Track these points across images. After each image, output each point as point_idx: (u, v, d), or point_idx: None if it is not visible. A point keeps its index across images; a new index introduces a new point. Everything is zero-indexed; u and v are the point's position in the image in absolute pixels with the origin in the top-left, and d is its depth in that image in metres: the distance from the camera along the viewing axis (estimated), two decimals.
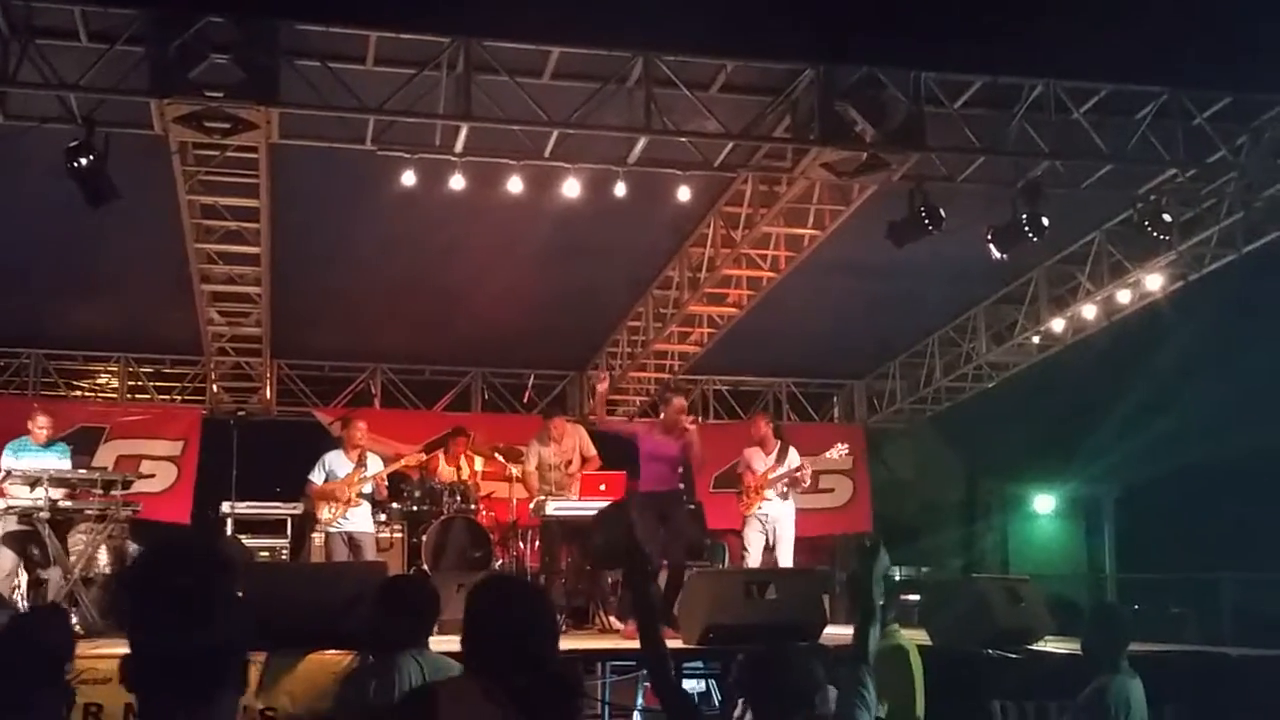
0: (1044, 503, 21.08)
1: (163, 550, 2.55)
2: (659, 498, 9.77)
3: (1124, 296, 12.82)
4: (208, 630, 2.32)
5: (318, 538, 11.45)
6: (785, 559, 11.11)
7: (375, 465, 11.14)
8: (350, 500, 10.81)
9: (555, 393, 16.70)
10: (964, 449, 18.68)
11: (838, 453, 12.07)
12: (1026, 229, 10.05)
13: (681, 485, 9.92)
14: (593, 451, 11.66)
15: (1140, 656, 6.46)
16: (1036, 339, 14.42)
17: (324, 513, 10.88)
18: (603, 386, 10.67)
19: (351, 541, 10.82)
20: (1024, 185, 10.03)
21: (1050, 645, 8.79)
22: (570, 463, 11.47)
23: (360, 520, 10.94)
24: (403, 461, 12.00)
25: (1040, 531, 21.37)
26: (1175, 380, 14.52)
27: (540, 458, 11.53)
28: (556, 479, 11.44)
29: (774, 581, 8.60)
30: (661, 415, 10.26)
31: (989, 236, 10.42)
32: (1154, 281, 12.35)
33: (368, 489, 10.97)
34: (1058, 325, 13.82)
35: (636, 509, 9.85)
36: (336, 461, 11.01)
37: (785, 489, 11.24)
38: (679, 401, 9.98)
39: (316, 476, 11.00)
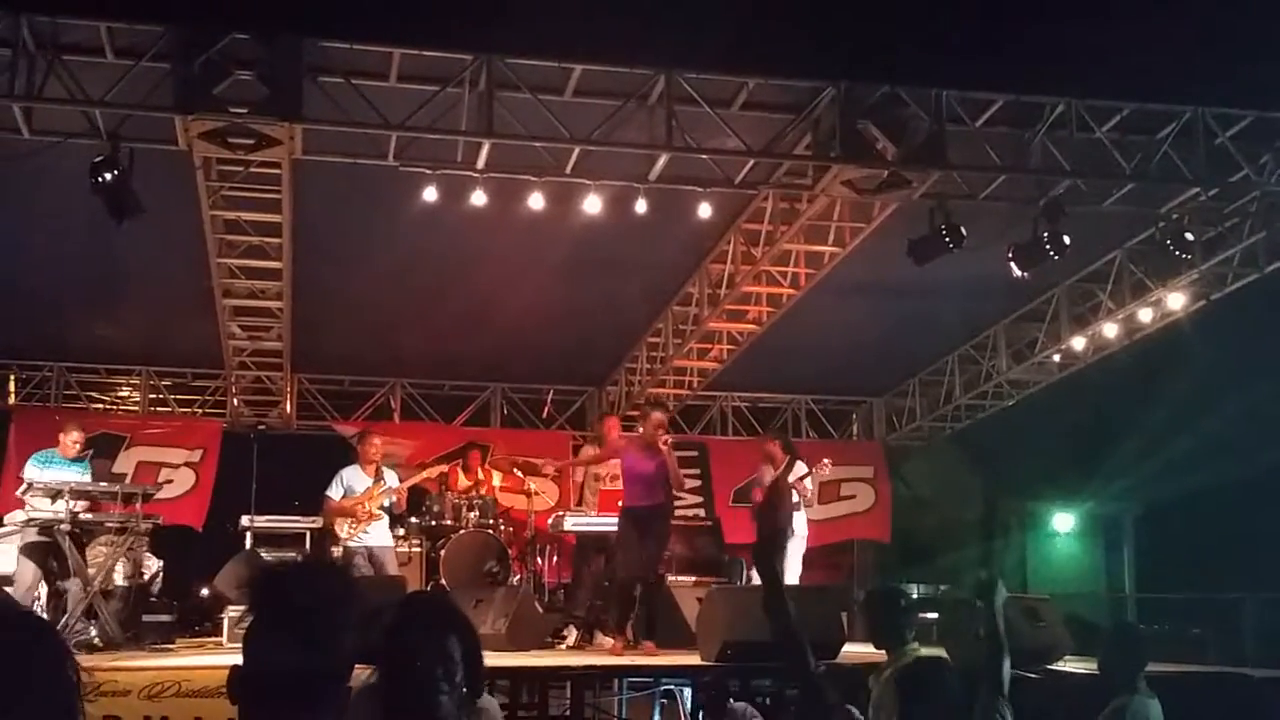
0: (1064, 521, 20.98)
1: (299, 566, 2.56)
2: (640, 513, 9.70)
3: (1146, 315, 12.78)
4: (326, 651, 2.33)
5: (337, 552, 11.46)
6: (792, 575, 11.03)
7: (393, 479, 11.16)
8: (369, 515, 10.84)
9: (574, 408, 16.72)
10: (983, 467, 18.62)
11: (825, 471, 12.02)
12: (1048, 247, 10.03)
13: (662, 500, 9.84)
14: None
15: (1159, 677, 6.43)
16: (1057, 357, 14.38)
17: (343, 528, 10.90)
18: (549, 470, 10.66)
19: (371, 556, 10.83)
20: (1046, 203, 10.01)
21: (1069, 665, 8.75)
22: (617, 477, 11.40)
23: (379, 535, 10.97)
24: (421, 475, 12.02)
25: (1059, 550, 21.26)
26: (1196, 399, 14.45)
27: (589, 468, 11.45)
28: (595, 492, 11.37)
29: (792, 598, 8.55)
30: (640, 430, 10.16)
31: (1010, 254, 10.39)
32: (1176, 300, 12.31)
33: (386, 503, 10.99)
34: (1079, 343, 13.79)
35: (620, 524, 9.84)
36: (354, 477, 11.03)
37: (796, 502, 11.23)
38: (657, 416, 9.88)
39: (334, 492, 11.03)
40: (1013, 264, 10.46)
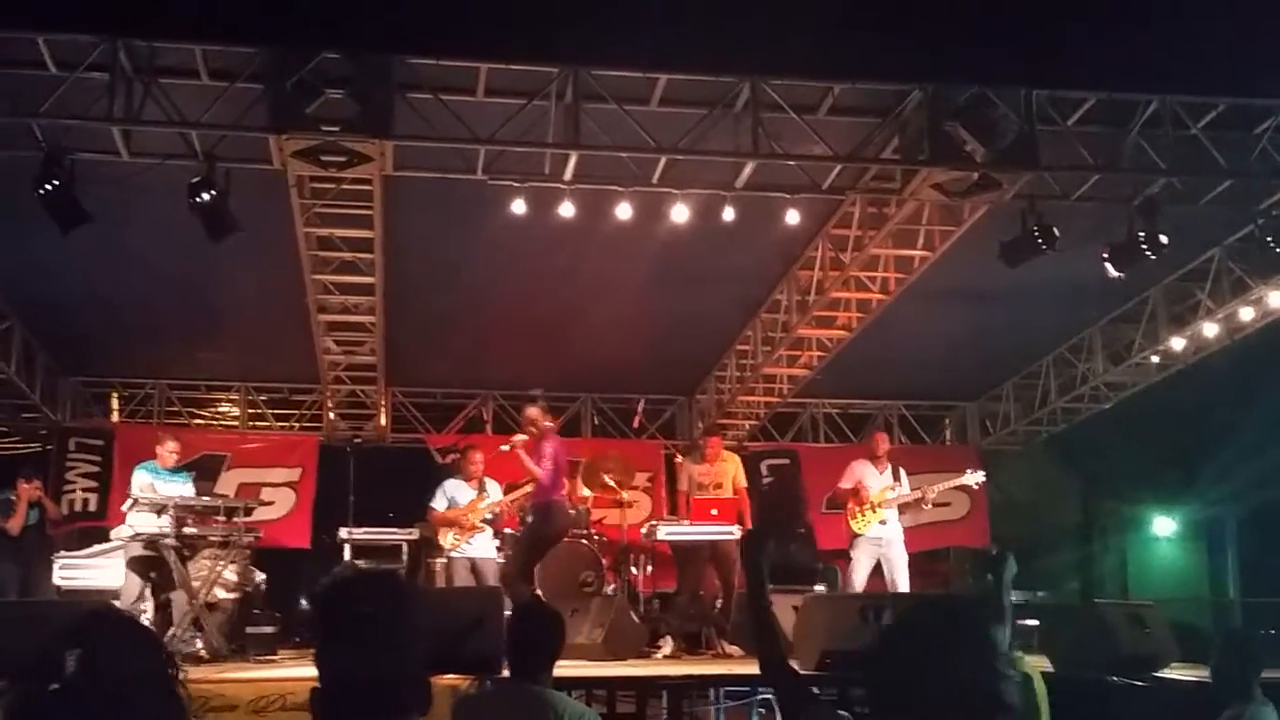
0: (1164, 525, 20.56)
1: (349, 579, 2.62)
2: None
3: (1247, 314, 12.50)
4: (394, 655, 2.38)
5: (439, 563, 11.60)
6: (903, 583, 10.94)
7: (495, 492, 11.27)
8: (472, 526, 10.97)
9: (665, 417, 16.73)
10: (1080, 471, 18.32)
11: (974, 480, 11.80)
12: (1144, 247, 9.85)
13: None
14: (745, 482, 11.62)
15: (1274, 684, 6.27)
16: (1155, 358, 14.11)
17: (446, 539, 11.04)
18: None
19: (474, 567, 10.97)
20: (1141, 202, 9.83)
21: (1176, 673, 8.57)
22: (720, 485, 11.39)
23: (483, 547, 11.11)
24: (522, 491, 12.07)
25: (1160, 554, 20.84)
26: None
27: (692, 478, 11.41)
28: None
29: (891, 606, 8.49)
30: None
31: (1105, 255, 10.22)
32: (1277, 298, 12.02)
33: (490, 515, 11.11)
34: (1177, 344, 13.52)
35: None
36: (456, 489, 11.20)
37: (901, 510, 11.11)
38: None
39: (438, 503, 11.21)
40: (1108, 264, 10.27)
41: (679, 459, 11.67)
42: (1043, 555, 17.80)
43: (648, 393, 16.42)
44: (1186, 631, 10.92)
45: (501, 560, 11.35)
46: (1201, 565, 20.44)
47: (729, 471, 11.52)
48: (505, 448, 10.83)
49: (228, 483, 14.86)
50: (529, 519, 10.99)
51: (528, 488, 12.11)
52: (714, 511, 11.21)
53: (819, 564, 13.27)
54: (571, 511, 11.23)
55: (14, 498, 12.26)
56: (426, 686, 2.54)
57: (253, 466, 15.37)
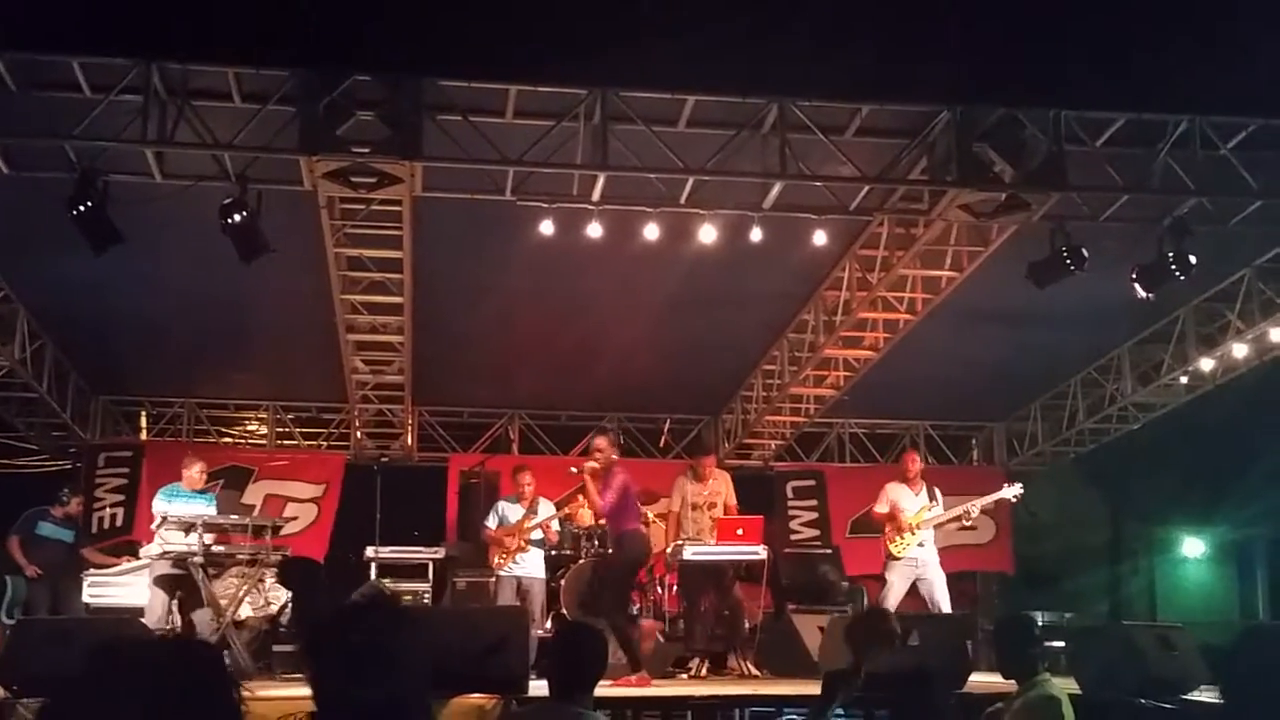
0: (1193, 546, 20.44)
1: (344, 606, 2.63)
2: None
3: (1276, 334, 12.40)
4: (392, 682, 2.39)
5: (491, 581, 11.65)
6: (945, 603, 10.84)
7: (546, 511, 11.32)
8: (519, 546, 11.01)
9: (691, 436, 16.73)
10: (1109, 491, 18.23)
11: (1012, 493, 11.70)
12: (1173, 267, 9.81)
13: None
14: (734, 501, 11.58)
15: None
16: (1184, 379, 14.03)
17: (495, 557, 11.10)
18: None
19: (520, 586, 11.03)
20: (1170, 223, 9.80)
21: (1204, 695, 8.50)
22: (714, 505, 11.36)
23: (531, 566, 11.19)
24: (565, 510, 12.07)
25: (1189, 576, 20.71)
26: None
27: (685, 497, 11.36)
28: (697, 520, 11.27)
29: (917, 627, 8.47)
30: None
31: (1134, 275, 10.18)
32: None
33: (537, 535, 11.15)
34: (1206, 365, 13.44)
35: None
36: (508, 508, 11.30)
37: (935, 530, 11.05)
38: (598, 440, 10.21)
39: (490, 521, 11.31)
40: (1137, 285, 10.22)
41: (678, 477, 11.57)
42: (1070, 577, 17.76)
43: (674, 412, 16.46)
44: (1214, 654, 10.84)
45: (547, 579, 11.47)
46: (1231, 587, 20.32)
47: (721, 491, 11.46)
48: (574, 470, 10.78)
49: (254, 494, 14.98)
50: (608, 551, 11.01)
51: (566, 508, 12.16)
52: (740, 531, 11.15)
53: (845, 584, 13.24)
54: (644, 537, 11.19)
55: (72, 513, 12.41)
56: (427, 711, 2.55)
57: (279, 479, 15.47)
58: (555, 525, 11.58)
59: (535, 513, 11.16)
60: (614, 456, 10.00)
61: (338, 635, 2.44)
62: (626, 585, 10.51)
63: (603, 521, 12.23)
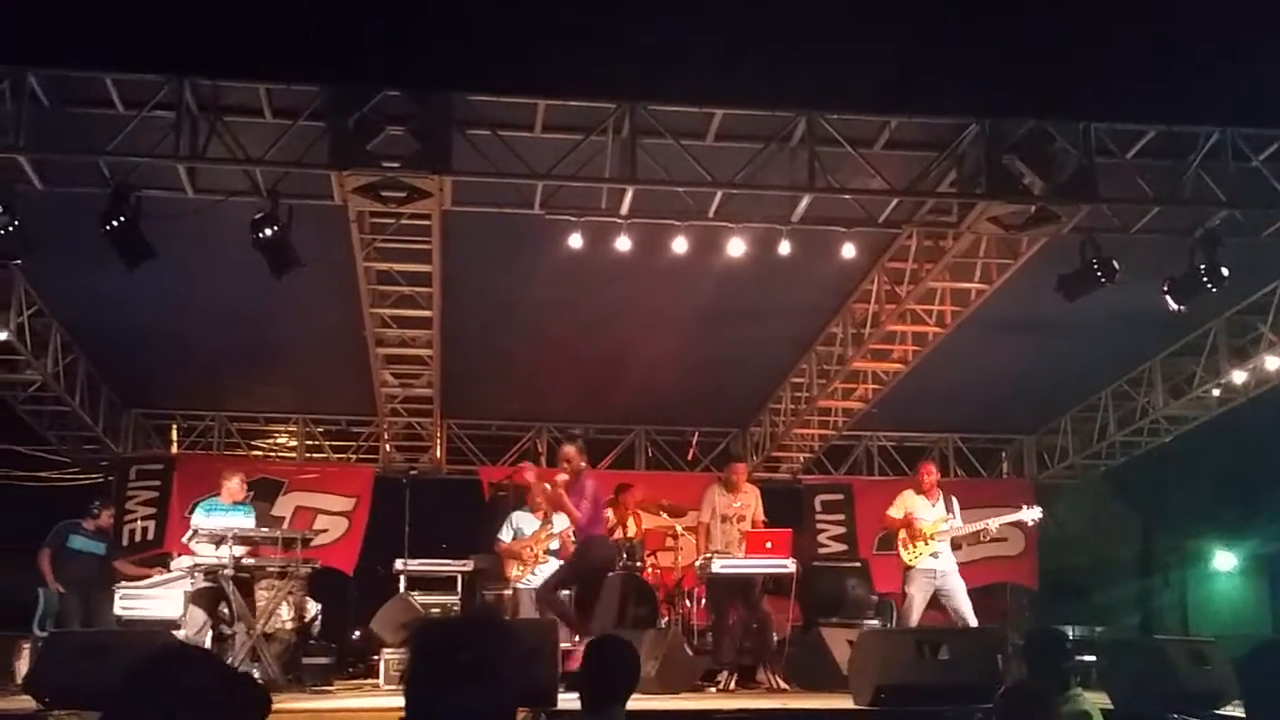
0: (1225, 560, 20.28)
1: (452, 621, 2.67)
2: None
3: None
4: (488, 696, 2.42)
5: (507, 593, 11.63)
6: (969, 614, 10.75)
7: (561, 524, 11.28)
8: (535, 558, 10.99)
9: (718, 450, 16.71)
10: (1140, 505, 18.11)
11: (1030, 516, 11.52)
12: (1205, 279, 9.75)
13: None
14: (762, 517, 11.54)
15: None
16: (1216, 391, 13.93)
17: (513, 570, 11.08)
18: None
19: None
20: (1202, 235, 9.74)
21: (1238, 710, 8.43)
22: (744, 519, 11.31)
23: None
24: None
25: (1221, 590, 20.55)
26: None
27: (716, 508, 11.29)
28: (727, 532, 11.12)
29: (946, 641, 8.41)
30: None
31: (1166, 288, 10.13)
32: None
33: (554, 546, 11.12)
34: (1239, 377, 13.34)
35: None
36: (523, 520, 11.25)
37: (954, 544, 10.96)
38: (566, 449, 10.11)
39: (505, 535, 11.26)
40: (1169, 298, 10.17)
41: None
42: (1101, 590, 17.64)
43: (702, 425, 16.45)
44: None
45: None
46: (1263, 601, 20.13)
47: (751, 505, 11.42)
48: (548, 486, 10.83)
49: (284, 506, 15.05)
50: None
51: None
52: (768, 544, 11.10)
53: (874, 596, 13.18)
54: (613, 544, 11.23)
55: (104, 525, 12.48)
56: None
57: (310, 492, 15.54)
58: (572, 536, 11.53)
59: (551, 523, 11.12)
60: (582, 464, 9.95)
61: (448, 651, 2.47)
62: (567, 583, 10.51)
63: (632, 534, 12.29)
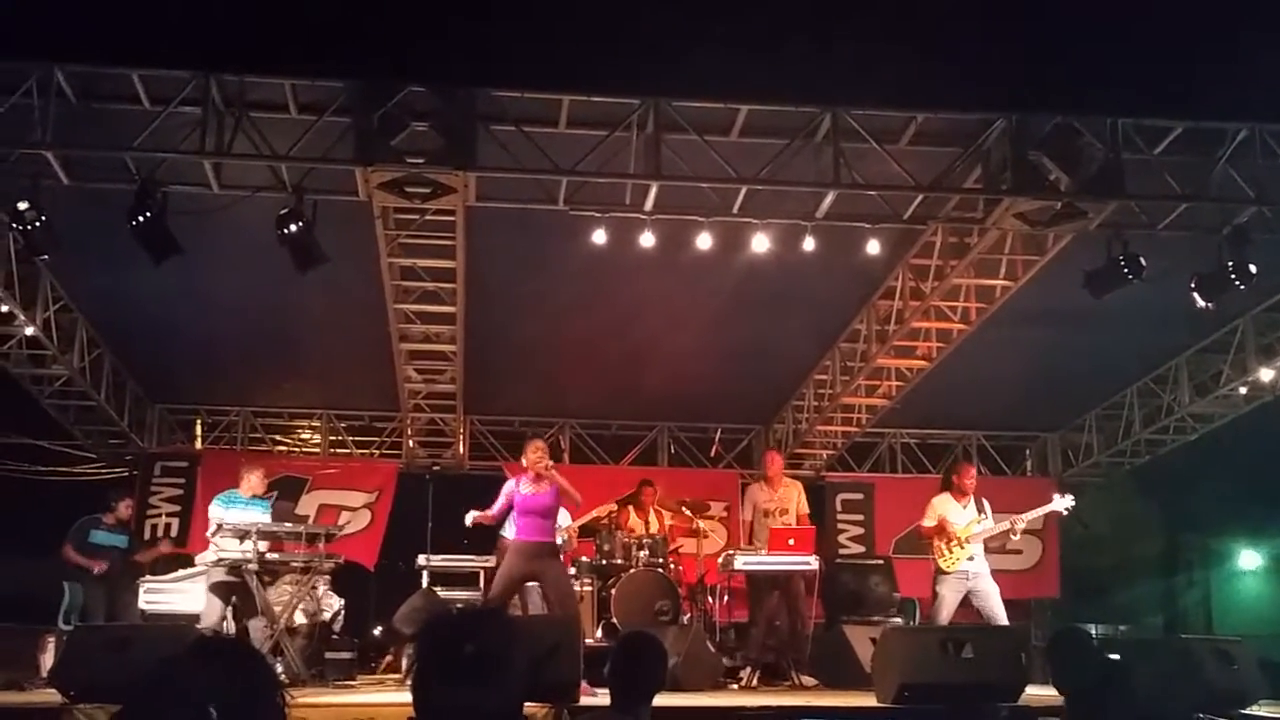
0: (1250, 559, 20.17)
1: (458, 616, 2.67)
2: (532, 547, 9.31)
3: None
4: (496, 693, 2.42)
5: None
6: (1001, 614, 10.66)
7: (564, 519, 11.26)
8: None
9: (741, 446, 16.70)
10: (1165, 503, 18.02)
11: (1064, 505, 11.41)
12: (1233, 276, 9.67)
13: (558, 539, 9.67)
14: (806, 509, 11.48)
15: None
16: (1243, 389, 13.83)
17: None
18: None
19: (545, 595, 10.93)
20: (1230, 231, 9.67)
21: (1264, 710, 8.37)
22: (786, 512, 11.25)
23: None
24: (593, 514, 12.11)
25: (1246, 588, 20.45)
26: None
27: (757, 504, 11.21)
28: (768, 526, 11.12)
29: (971, 639, 8.36)
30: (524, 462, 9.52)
31: (1193, 285, 10.05)
32: None
33: (560, 540, 11.08)
34: (1266, 375, 13.24)
35: (508, 555, 9.52)
36: None
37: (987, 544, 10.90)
38: (534, 443, 9.39)
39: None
40: (1196, 295, 10.09)
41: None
42: (1125, 589, 17.56)
43: (724, 422, 16.43)
44: (1274, 667, 10.67)
45: (597, 588, 11.42)
46: None
47: (793, 498, 11.38)
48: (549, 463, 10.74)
49: (309, 504, 15.11)
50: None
51: (596, 512, 12.14)
52: (791, 541, 11.09)
53: (897, 594, 13.13)
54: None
55: (123, 517, 12.50)
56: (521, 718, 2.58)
57: (333, 489, 15.58)
58: (576, 530, 11.50)
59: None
60: (548, 461, 9.61)
61: (454, 645, 2.47)
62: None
63: (655, 530, 12.28)
